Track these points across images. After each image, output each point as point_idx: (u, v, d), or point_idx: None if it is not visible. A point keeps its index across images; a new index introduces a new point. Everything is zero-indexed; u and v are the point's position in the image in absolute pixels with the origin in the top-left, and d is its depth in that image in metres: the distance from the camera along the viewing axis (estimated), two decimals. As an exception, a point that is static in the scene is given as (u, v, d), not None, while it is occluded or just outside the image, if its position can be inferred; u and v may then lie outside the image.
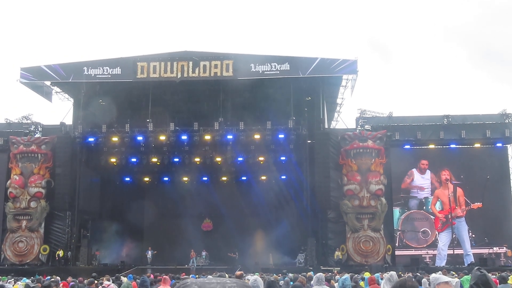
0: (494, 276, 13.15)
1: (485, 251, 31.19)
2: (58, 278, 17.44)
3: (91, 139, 32.38)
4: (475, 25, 72.07)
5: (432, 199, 32.28)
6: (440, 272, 14.14)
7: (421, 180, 32.41)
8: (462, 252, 31.19)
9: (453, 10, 71.38)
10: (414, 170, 32.42)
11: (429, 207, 32.11)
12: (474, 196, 32.10)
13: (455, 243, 31.46)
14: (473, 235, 31.66)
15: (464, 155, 32.85)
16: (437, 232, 31.67)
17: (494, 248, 31.31)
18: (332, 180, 31.01)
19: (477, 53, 74.66)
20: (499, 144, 32.84)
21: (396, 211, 32.07)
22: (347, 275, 8.17)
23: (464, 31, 72.45)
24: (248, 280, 8.67)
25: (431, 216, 32.02)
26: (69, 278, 16.43)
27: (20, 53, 68.81)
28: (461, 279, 14.57)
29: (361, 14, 77.89)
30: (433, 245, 31.57)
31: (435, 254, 31.34)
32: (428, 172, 32.42)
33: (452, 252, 31.12)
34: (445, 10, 72.92)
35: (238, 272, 10.21)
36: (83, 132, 32.18)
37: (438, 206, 32.24)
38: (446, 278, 5.12)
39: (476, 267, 5.08)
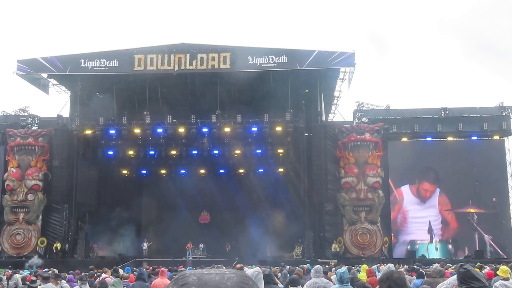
0: (490, 268, 13.20)
1: None
2: (56, 270, 17.45)
3: (84, 132, 32.27)
4: (471, 18, 72.07)
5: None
6: (440, 267, 14.17)
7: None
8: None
9: (448, 2, 71.32)
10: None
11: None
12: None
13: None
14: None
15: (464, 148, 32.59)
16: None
17: None
18: (329, 173, 31.08)
19: (473, 46, 74.76)
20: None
21: None
22: (344, 268, 8.19)
23: (460, 23, 72.45)
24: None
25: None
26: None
27: (16, 45, 68.57)
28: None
29: (358, 7, 77.77)
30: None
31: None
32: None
33: None
34: (440, 2, 72.84)
35: (238, 265, 10.24)
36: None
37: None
38: None
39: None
